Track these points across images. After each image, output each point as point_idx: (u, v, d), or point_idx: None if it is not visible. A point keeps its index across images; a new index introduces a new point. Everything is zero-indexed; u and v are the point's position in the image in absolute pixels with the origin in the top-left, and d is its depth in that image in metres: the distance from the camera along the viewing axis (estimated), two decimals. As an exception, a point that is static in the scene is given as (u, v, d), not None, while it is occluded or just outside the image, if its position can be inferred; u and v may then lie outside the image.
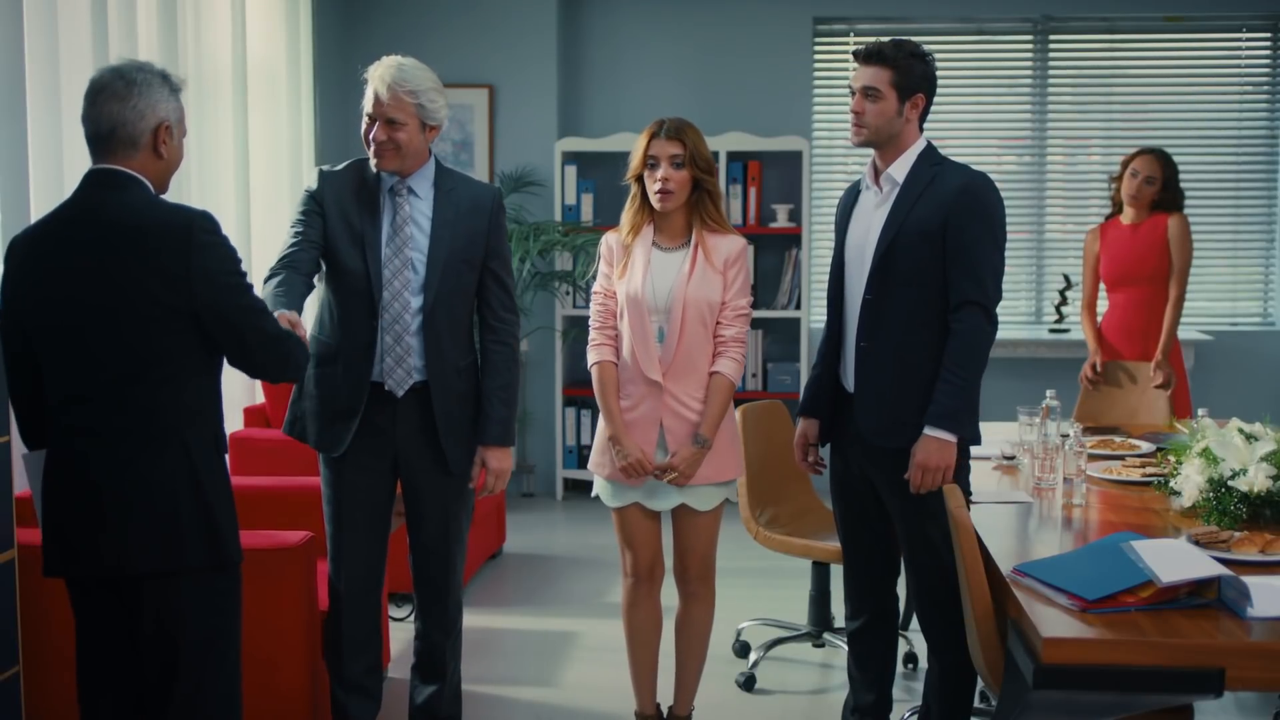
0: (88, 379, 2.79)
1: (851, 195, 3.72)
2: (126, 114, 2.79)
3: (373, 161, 3.57)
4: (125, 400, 2.78)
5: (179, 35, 4.99)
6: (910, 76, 3.49)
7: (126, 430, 2.79)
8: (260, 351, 2.89)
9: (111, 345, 2.77)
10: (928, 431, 3.43)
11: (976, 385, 3.49)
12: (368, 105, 3.53)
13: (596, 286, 3.84)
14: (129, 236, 2.75)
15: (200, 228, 2.79)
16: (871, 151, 3.61)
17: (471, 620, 4.87)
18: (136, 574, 2.82)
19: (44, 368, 2.85)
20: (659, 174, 3.67)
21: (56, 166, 4.20)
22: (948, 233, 3.45)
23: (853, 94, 3.54)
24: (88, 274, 2.76)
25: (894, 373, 3.51)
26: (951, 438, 3.43)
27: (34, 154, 4.09)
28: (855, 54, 3.57)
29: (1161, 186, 5.60)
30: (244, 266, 2.90)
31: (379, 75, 3.53)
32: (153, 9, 4.82)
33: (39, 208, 4.10)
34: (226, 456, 2.97)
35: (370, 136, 3.53)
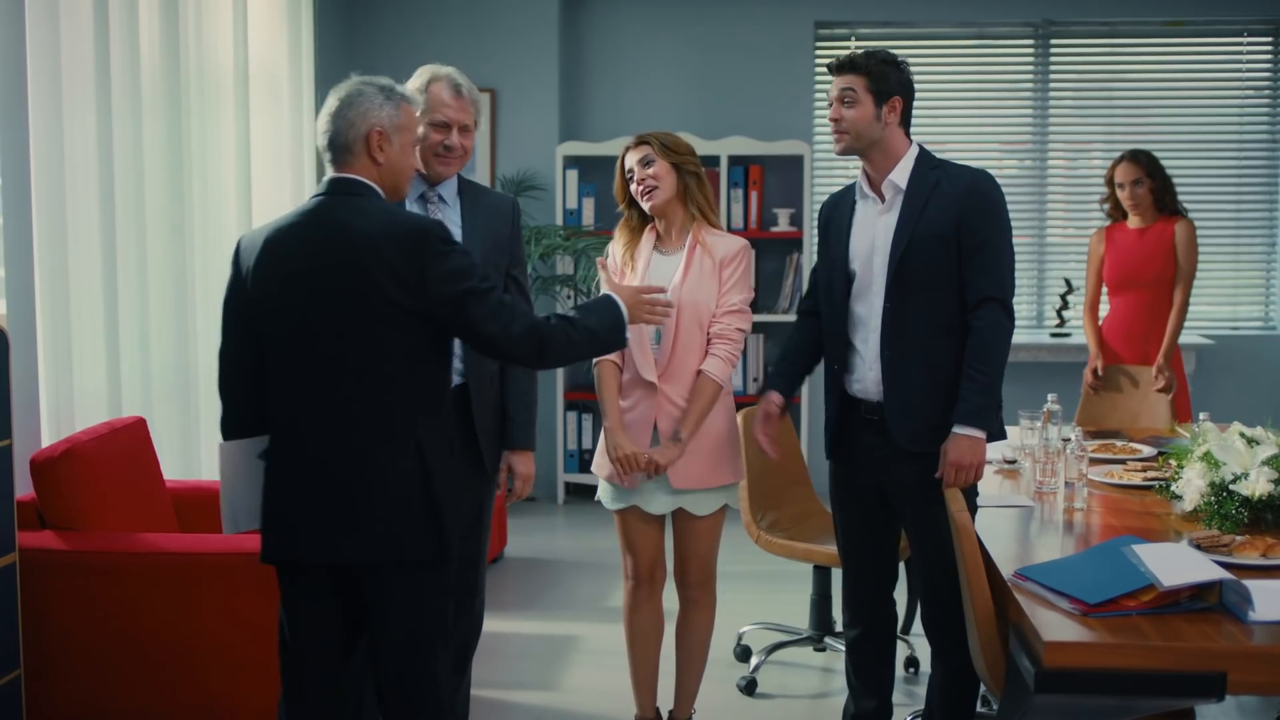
0: (323, 374, 2.89)
1: (846, 206, 3.67)
2: (340, 125, 2.96)
3: (437, 170, 3.56)
4: (361, 395, 2.89)
5: (180, 37, 4.99)
6: (885, 81, 3.50)
7: (362, 424, 2.89)
8: (509, 347, 2.97)
9: (349, 342, 2.87)
10: (958, 430, 3.44)
11: (1000, 381, 3.50)
12: (441, 113, 3.50)
13: (602, 290, 3.86)
14: (366, 240, 2.86)
15: (436, 237, 2.90)
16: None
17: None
18: (368, 562, 2.91)
19: (274, 363, 2.95)
20: (636, 179, 3.73)
21: (58, 167, 4.20)
22: (961, 234, 3.47)
23: (830, 104, 3.56)
24: (326, 273, 2.87)
25: (923, 379, 3.51)
26: (981, 434, 3.45)
27: (35, 155, 4.09)
28: (829, 66, 3.59)
29: (1150, 182, 5.59)
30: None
31: (448, 83, 3.52)
32: (154, 11, 4.83)
33: (41, 208, 4.10)
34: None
35: (445, 143, 3.52)
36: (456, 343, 3.53)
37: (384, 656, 2.98)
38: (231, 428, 3.08)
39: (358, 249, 2.85)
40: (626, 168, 3.78)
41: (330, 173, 2.99)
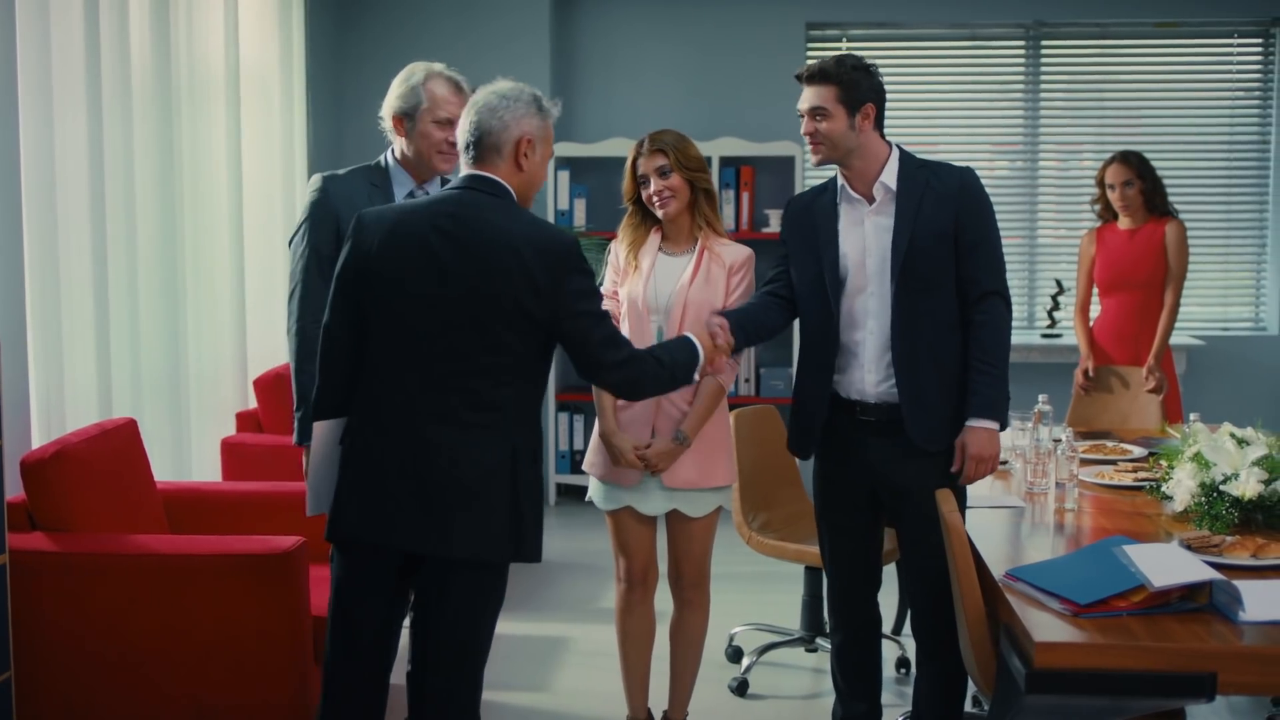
0: (437, 364, 2.92)
1: (824, 208, 3.65)
2: (493, 124, 3.01)
3: (439, 166, 3.61)
4: (471, 390, 2.92)
5: (171, 40, 4.98)
6: (856, 90, 3.51)
7: (466, 418, 2.92)
8: (613, 373, 3.07)
9: (472, 338, 2.91)
10: (975, 424, 3.47)
11: (1007, 372, 3.55)
12: (445, 110, 3.52)
13: (603, 290, 3.89)
14: (510, 243, 2.91)
15: (577, 254, 2.98)
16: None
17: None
18: (448, 556, 2.93)
19: (383, 344, 2.97)
20: (651, 188, 3.72)
21: (49, 169, 4.18)
22: (959, 231, 3.50)
23: (801, 116, 3.56)
24: (463, 267, 2.90)
25: (935, 377, 3.53)
26: (996, 426, 3.49)
27: (26, 157, 4.07)
28: (798, 76, 3.60)
29: (1141, 183, 5.61)
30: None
31: (448, 80, 3.53)
32: (145, 13, 4.82)
33: (31, 209, 4.09)
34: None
35: (449, 140, 3.56)
36: None
37: (434, 654, 3.00)
38: (326, 406, 3.08)
39: (500, 250, 2.90)
40: (639, 171, 3.76)
41: (468, 169, 3.02)
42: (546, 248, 2.93)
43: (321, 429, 3.09)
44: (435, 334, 2.92)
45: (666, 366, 3.19)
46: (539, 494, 3.05)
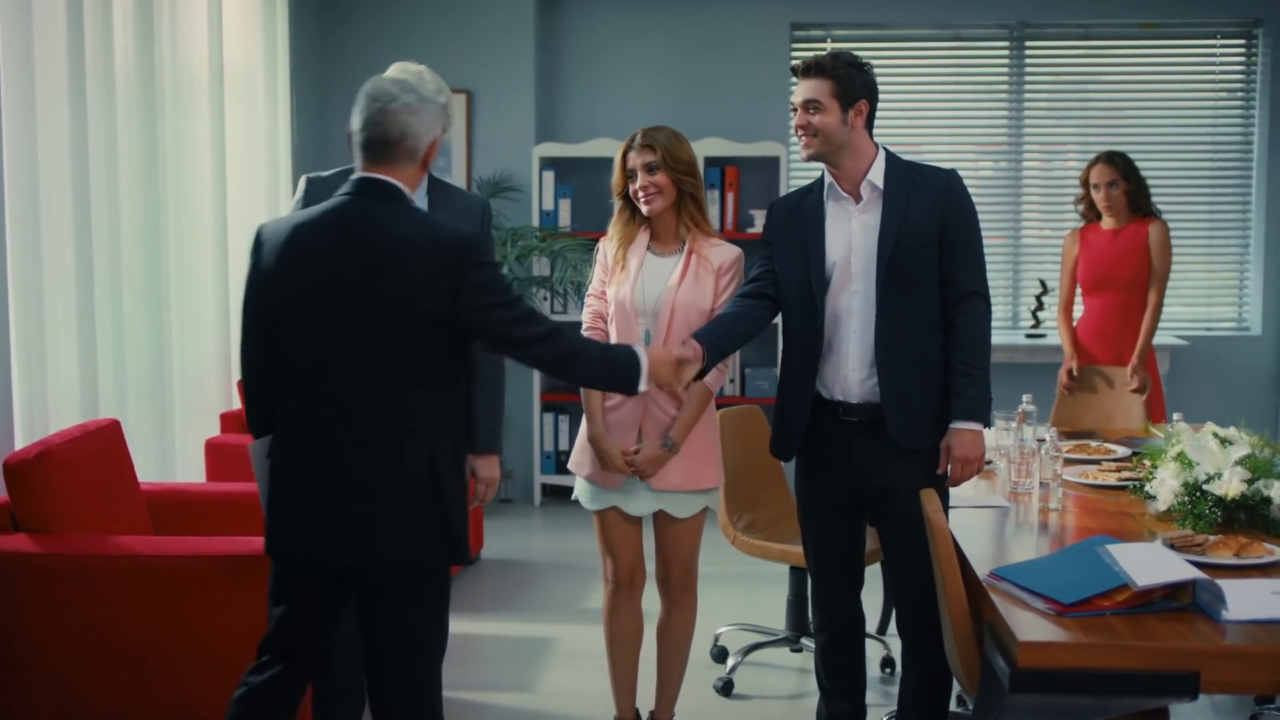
0: (344, 374, 2.88)
1: (811, 207, 3.65)
2: (418, 127, 2.93)
3: None
4: (379, 400, 2.88)
5: (155, 39, 4.97)
6: (851, 85, 3.51)
7: (378, 425, 2.88)
8: (538, 351, 3.03)
9: (374, 345, 2.86)
10: (960, 426, 3.48)
11: (989, 372, 3.56)
12: None
13: (591, 289, 3.90)
14: (404, 248, 2.85)
15: (474, 249, 2.91)
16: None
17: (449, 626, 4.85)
18: (378, 566, 2.91)
19: (290, 358, 2.93)
20: (638, 183, 3.71)
21: (32, 168, 4.17)
22: (945, 231, 3.52)
23: (794, 110, 3.57)
24: (359, 275, 2.85)
25: (917, 375, 3.54)
26: (980, 427, 3.50)
27: (9, 156, 4.06)
28: (794, 69, 3.60)
29: (1125, 184, 5.63)
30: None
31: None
32: (129, 12, 4.81)
33: (14, 209, 4.08)
34: (466, 465, 3.09)
35: None
36: None
37: (383, 659, 2.97)
38: (261, 424, 3.05)
39: (395, 256, 2.85)
40: (629, 165, 3.75)
41: (367, 169, 2.94)
42: (442, 248, 2.87)
43: (258, 449, 3.06)
44: (341, 344, 2.87)
45: (601, 348, 3.16)
46: (464, 494, 3.02)
